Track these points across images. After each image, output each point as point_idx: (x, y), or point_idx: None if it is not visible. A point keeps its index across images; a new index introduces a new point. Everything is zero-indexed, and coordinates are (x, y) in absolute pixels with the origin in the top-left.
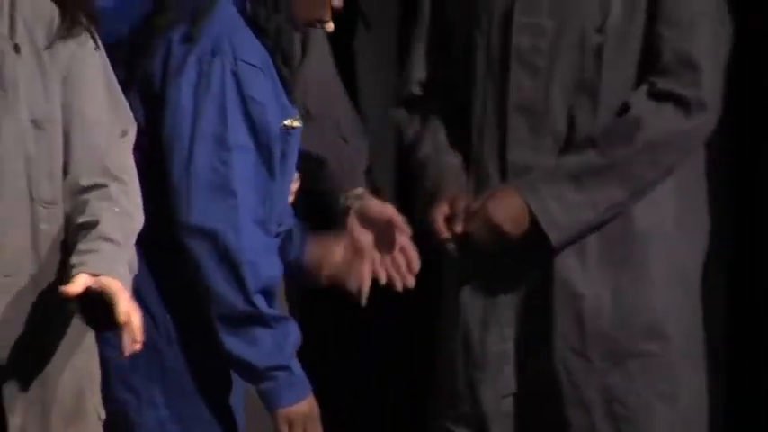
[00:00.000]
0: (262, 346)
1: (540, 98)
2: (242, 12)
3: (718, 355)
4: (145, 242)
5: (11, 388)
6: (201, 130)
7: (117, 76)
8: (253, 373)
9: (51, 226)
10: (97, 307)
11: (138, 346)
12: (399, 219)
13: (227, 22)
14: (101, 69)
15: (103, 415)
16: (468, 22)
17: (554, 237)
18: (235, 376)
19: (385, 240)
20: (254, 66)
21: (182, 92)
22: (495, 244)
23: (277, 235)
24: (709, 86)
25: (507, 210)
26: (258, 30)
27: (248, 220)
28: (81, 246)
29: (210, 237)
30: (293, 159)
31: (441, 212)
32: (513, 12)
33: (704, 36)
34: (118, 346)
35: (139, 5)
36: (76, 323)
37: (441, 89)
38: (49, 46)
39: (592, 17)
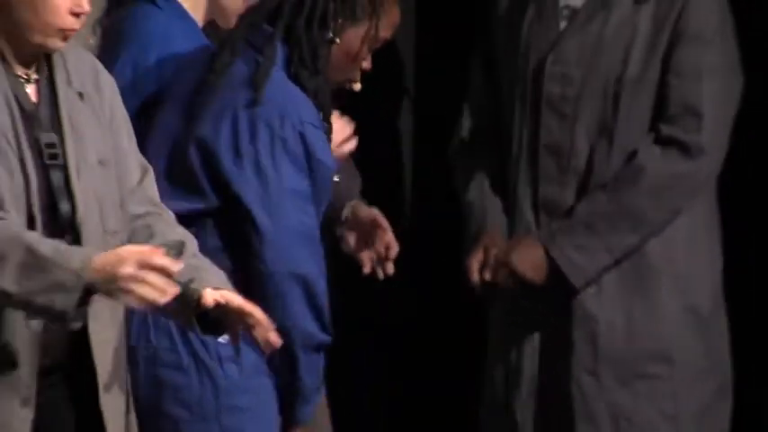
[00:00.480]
0: (318, 371)
1: (566, 141)
2: (288, 74)
3: (720, 381)
4: None
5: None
6: (286, 187)
7: (170, 128)
8: (306, 395)
9: None
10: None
11: (277, 339)
12: (382, 218)
13: (283, 86)
14: (123, 107)
15: None
16: (509, 71)
17: (576, 281)
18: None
19: (371, 238)
20: (316, 126)
21: (260, 153)
22: (519, 290)
23: None
24: (710, 132)
25: (530, 260)
26: (300, 89)
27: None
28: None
29: (302, 281)
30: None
31: (476, 260)
32: (546, 62)
33: (710, 87)
34: (177, 366)
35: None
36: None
37: (491, 134)
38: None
39: (614, 68)
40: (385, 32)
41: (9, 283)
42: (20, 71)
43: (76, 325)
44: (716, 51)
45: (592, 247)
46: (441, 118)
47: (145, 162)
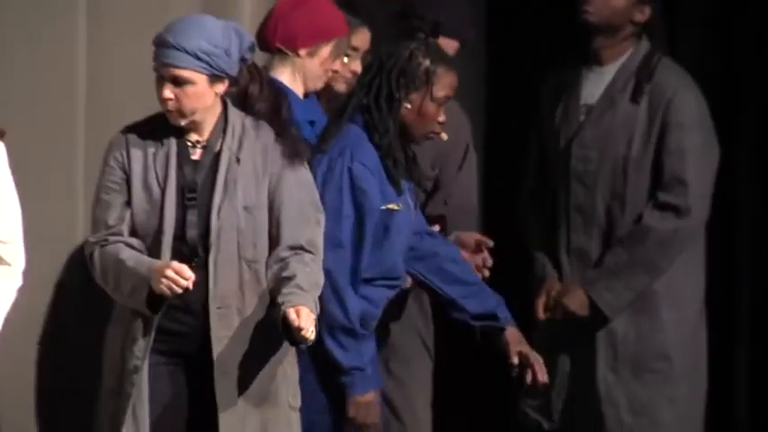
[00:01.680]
0: (348, 351)
1: (589, 204)
2: (369, 137)
3: (700, 372)
4: None
5: (220, 385)
6: (327, 205)
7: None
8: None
9: (251, 277)
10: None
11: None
12: (483, 237)
13: (351, 137)
14: (305, 175)
15: (296, 404)
16: (549, 151)
17: (609, 313)
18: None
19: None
20: (365, 165)
21: (317, 176)
22: (571, 320)
23: (394, 287)
24: (694, 196)
25: (577, 301)
26: (375, 145)
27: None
28: (284, 290)
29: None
30: (397, 233)
31: (541, 303)
32: (572, 146)
33: (691, 161)
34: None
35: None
36: (277, 341)
37: (540, 194)
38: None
39: (621, 150)
40: (444, 92)
41: (112, 290)
42: (192, 137)
43: (158, 315)
44: (694, 134)
45: (618, 289)
46: (509, 158)
47: (319, 215)
